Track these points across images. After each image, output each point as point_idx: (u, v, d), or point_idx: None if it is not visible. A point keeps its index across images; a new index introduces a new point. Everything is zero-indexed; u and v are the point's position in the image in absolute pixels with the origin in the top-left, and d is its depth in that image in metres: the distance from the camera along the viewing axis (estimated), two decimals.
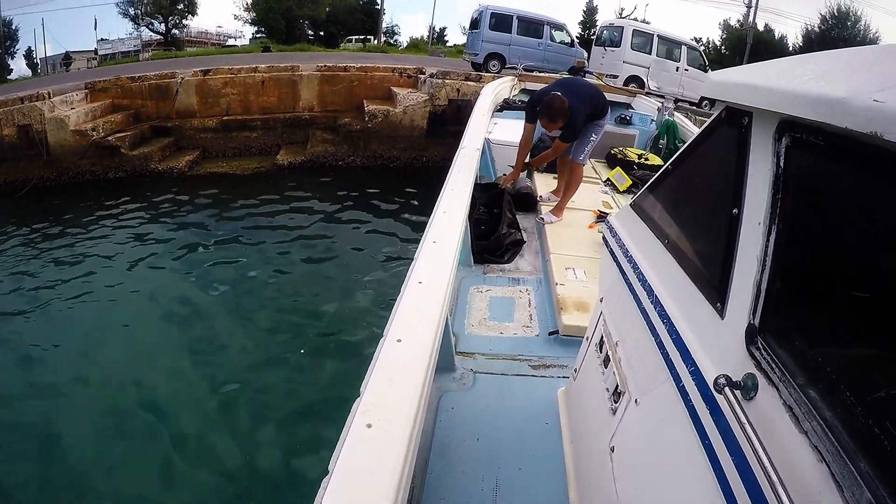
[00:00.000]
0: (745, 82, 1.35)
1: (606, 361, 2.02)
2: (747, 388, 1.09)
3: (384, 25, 42.90)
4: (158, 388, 5.45)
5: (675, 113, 7.95)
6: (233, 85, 13.09)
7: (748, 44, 35.24)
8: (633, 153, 7.08)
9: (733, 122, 1.41)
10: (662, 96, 9.93)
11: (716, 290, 1.33)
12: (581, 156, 5.02)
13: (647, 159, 7.00)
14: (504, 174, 5.82)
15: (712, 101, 18.69)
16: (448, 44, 44.37)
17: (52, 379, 5.59)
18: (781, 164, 1.15)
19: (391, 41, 44.67)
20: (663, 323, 1.53)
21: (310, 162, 12.36)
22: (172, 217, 9.96)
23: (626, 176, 6.24)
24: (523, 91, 8.89)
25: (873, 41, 33.76)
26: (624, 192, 6.11)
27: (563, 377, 3.01)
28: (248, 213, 10.03)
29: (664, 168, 1.88)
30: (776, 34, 40.28)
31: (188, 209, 10.27)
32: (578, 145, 4.98)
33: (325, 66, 13.34)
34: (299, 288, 7.52)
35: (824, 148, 1.00)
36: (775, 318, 1.11)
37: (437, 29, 49.68)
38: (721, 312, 1.28)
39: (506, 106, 7.51)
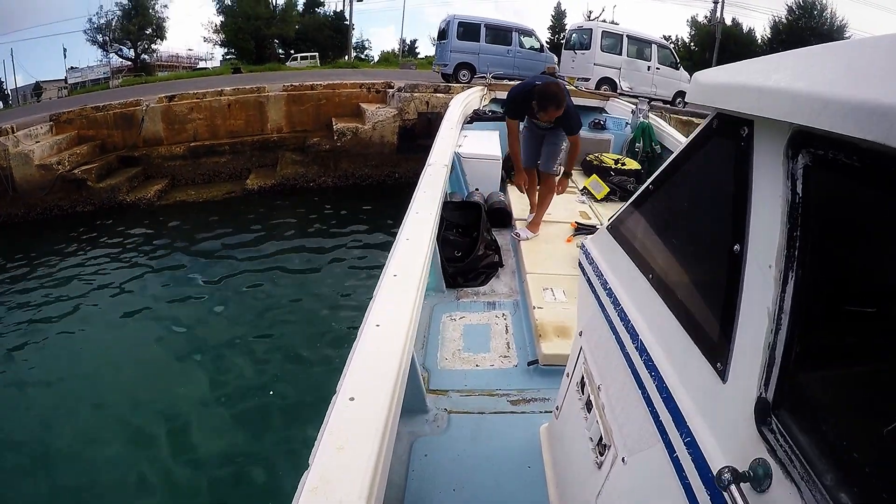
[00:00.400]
0: (744, 83, 1.09)
1: (589, 406, 1.76)
2: (758, 479, 0.84)
3: (354, 40, 42.86)
4: (139, 421, 5.38)
5: (650, 115, 7.73)
6: (199, 110, 12.73)
7: (717, 39, 35.51)
8: (609, 159, 6.87)
9: (728, 134, 1.15)
10: (636, 97, 9.74)
11: (714, 346, 1.07)
12: (553, 166, 4.78)
13: (623, 164, 6.80)
14: (477, 188, 5.57)
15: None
16: (419, 55, 44.31)
17: (26, 421, 5.46)
18: (799, 191, 0.88)
19: (362, 56, 44.56)
20: (651, 376, 1.27)
21: (280, 185, 12.05)
22: (142, 249, 9.61)
23: (603, 183, 6.01)
24: (494, 101, 8.65)
25: (841, 29, 34.11)
26: (601, 199, 5.88)
27: (546, 412, 2.76)
28: (220, 241, 9.70)
29: (644, 187, 1.61)
30: (744, 28, 40.50)
31: (158, 241, 9.91)
32: (548, 155, 4.76)
33: (292, 85, 13.04)
34: (275, 314, 7.30)
35: (860, 170, 0.74)
36: (794, 390, 0.85)
37: (408, 41, 49.52)
38: (722, 375, 1.02)
39: (476, 117, 7.23)
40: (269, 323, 7.09)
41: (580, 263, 2.04)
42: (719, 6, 36.31)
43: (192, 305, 7.62)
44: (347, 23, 40.18)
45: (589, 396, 1.78)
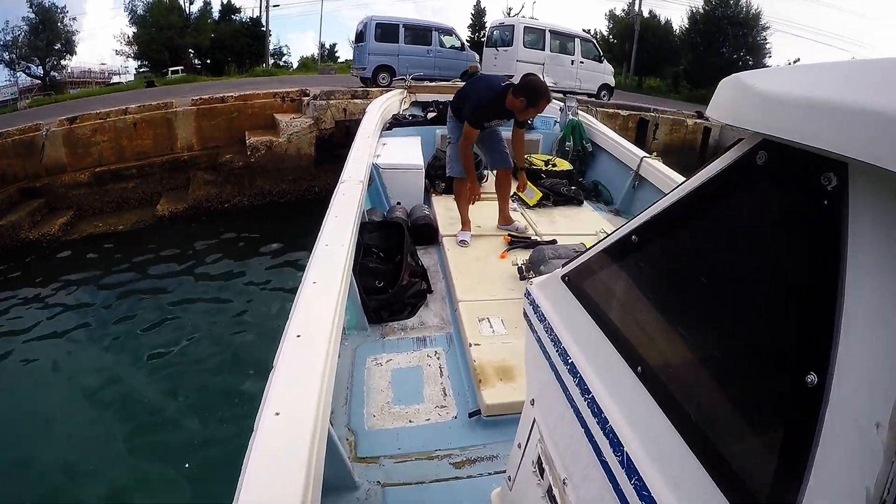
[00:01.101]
0: (838, 103, 0.59)
1: (552, 498, 1.33)
2: None
3: (272, 47, 41.67)
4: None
5: (580, 111, 7.36)
6: (103, 131, 11.61)
7: (636, 31, 36.12)
8: (539, 160, 6.45)
9: (792, 180, 0.71)
10: (564, 94, 9.40)
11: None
12: (509, 158, 4.78)
13: (554, 165, 6.39)
14: (399, 202, 5.07)
15: (610, 91, 18.76)
16: (339, 59, 43.48)
17: None
18: None
19: (281, 63, 43.36)
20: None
21: (193, 209, 11.15)
22: (47, 291, 8.53)
23: (535, 188, 5.57)
24: (415, 104, 8.12)
25: (756, 17, 35.14)
26: (534, 206, 5.45)
27: (496, 472, 2.37)
28: (132, 276, 8.78)
29: (624, 234, 1.18)
30: (661, 19, 41.40)
31: (65, 280, 8.82)
32: (502, 152, 4.78)
33: (201, 99, 12.14)
34: (192, 350, 6.67)
35: None
36: None
37: (327, 45, 48.52)
38: None
39: (395, 123, 6.70)
40: (186, 360, 6.46)
41: (525, 313, 1.64)
42: None
43: (101, 347, 6.87)
44: (264, 29, 38.94)
45: (551, 485, 1.35)
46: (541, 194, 5.49)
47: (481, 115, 4.20)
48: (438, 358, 3.19)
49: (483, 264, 4.07)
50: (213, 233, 10.22)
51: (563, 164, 6.50)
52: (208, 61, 38.77)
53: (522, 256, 4.12)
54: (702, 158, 19.11)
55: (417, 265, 3.91)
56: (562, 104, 7.64)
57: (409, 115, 7.07)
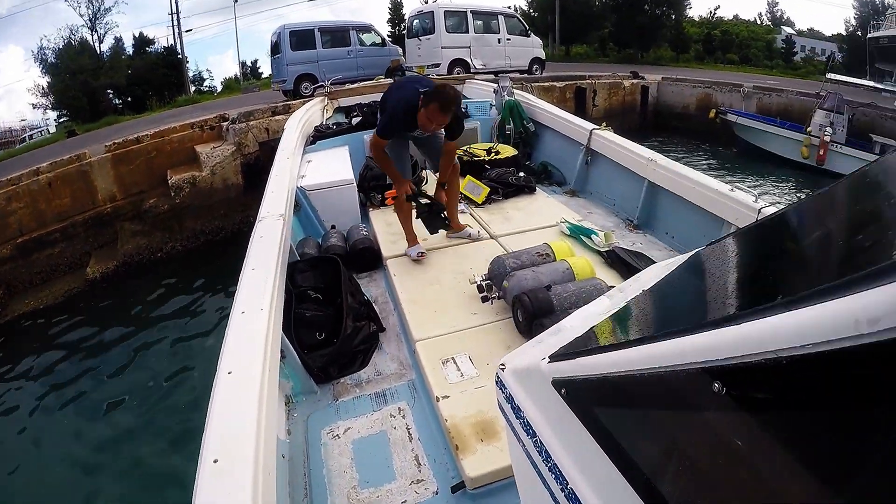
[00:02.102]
0: None
1: None
2: None
3: (191, 73, 40.36)
4: None
5: (515, 91, 6.84)
6: (18, 198, 10.45)
7: (556, 0, 35.94)
8: (479, 150, 5.90)
9: None
10: (496, 74, 8.86)
11: None
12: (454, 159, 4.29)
13: (497, 153, 5.87)
14: (333, 226, 4.48)
15: (542, 64, 18.36)
16: (262, 75, 42.23)
17: None
18: None
19: (203, 88, 42.01)
20: None
21: (124, 265, 10.20)
22: None
23: (480, 183, 5.02)
24: (338, 110, 7.48)
25: None
26: (483, 203, 4.91)
27: None
28: (71, 352, 7.74)
29: (686, 372, 0.69)
30: None
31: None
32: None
33: (115, 143, 11.09)
34: (142, 418, 6.00)
35: None
36: None
37: (249, 63, 47.17)
38: None
39: (319, 135, 6.04)
40: (133, 434, 5.80)
41: (501, 408, 1.42)
42: None
43: (44, 431, 6.20)
44: (180, 57, 37.56)
45: None
46: (488, 189, 4.94)
47: (394, 126, 3.74)
48: (403, 416, 2.62)
49: (437, 288, 3.50)
50: (150, 287, 9.34)
51: (507, 150, 5.98)
52: (129, 99, 37.19)
53: (478, 267, 3.58)
54: (643, 118, 18.95)
55: (361, 305, 3.29)
56: (495, 85, 7.10)
57: (333, 124, 6.43)
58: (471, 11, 16.09)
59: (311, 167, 5.02)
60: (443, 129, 3.77)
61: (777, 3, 57.28)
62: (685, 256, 1.85)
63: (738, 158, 16.36)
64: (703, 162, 16.16)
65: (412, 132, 3.81)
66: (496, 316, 3.14)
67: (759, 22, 56.50)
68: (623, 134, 5.56)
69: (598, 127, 5.59)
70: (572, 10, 38.27)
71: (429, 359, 2.79)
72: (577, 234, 4.11)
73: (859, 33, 36.94)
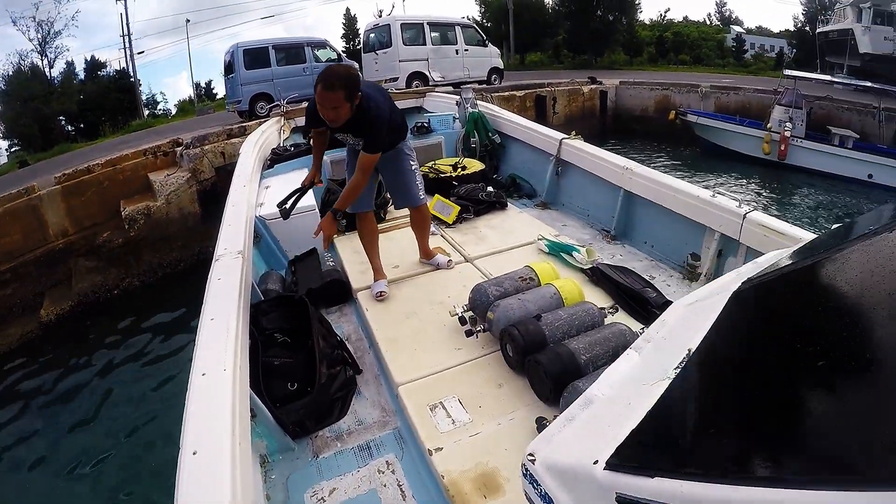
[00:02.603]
0: None
1: None
2: None
3: (144, 97, 39.48)
4: None
5: (478, 102, 6.62)
6: None
7: (510, 10, 36.07)
8: (445, 166, 5.67)
9: None
10: (457, 86, 8.64)
11: None
12: (419, 193, 3.74)
13: (464, 168, 5.64)
14: (296, 255, 4.18)
15: (500, 74, 18.27)
16: (217, 96, 41.51)
17: None
18: None
19: (158, 112, 41.10)
20: None
21: (80, 305, 9.58)
22: None
23: (449, 201, 4.77)
24: (296, 130, 7.15)
25: None
26: (455, 222, 4.65)
27: None
28: (28, 402, 7.21)
29: None
30: None
31: None
32: (405, 185, 3.72)
33: (65, 175, 10.51)
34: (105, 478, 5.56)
35: None
36: None
37: (203, 84, 46.36)
38: None
39: (276, 158, 5.72)
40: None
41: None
42: None
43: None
44: (133, 80, 36.66)
45: None
46: (458, 208, 4.69)
47: (310, 122, 3.54)
48: (393, 471, 2.34)
49: (415, 322, 3.21)
50: (109, 328, 8.78)
51: (474, 165, 5.75)
52: (82, 125, 36.09)
53: (457, 295, 3.32)
54: (603, 123, 18.99)
55: (334, 348, 2.99)
56: (458, 98, 6.87)
57: (291, 146, 6.10)
58: (427, 23, 15.92)
59: (270, 194, 4.72)
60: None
61: (725, 2, 58.49)
62: (710, 289, 1.63)
63: (701, 158, 16.46)
64: (667, 163, 16.22)
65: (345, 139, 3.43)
66: (482, 350, 2.88)
67: (708, 22, 57.62)
68: (582, 138, 5.40)
69: (567, 136, 5.40)
70: (526, 18, 38.46)
71: (415, 405, 2.51)
72: (557, 251, 3.89)
73: (807, 29, 37.81)
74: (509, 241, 4.22)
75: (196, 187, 10.00)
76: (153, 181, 9.99)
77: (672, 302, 3.17)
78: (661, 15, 53.15)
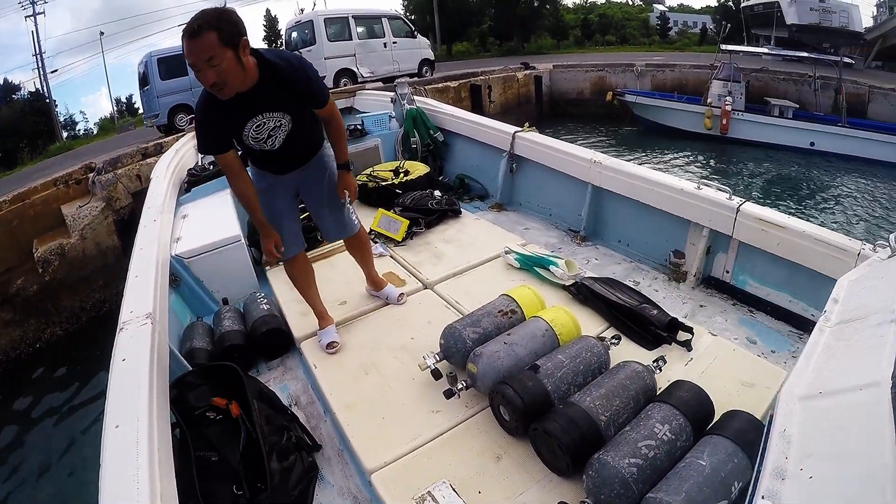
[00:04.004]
0: None
1: None
2: None
3: (62, 118, 37.54)
4: None
5: (415, 98, 6.01)
6: None
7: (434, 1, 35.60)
8: (385, 172, 5.03)
9: None
10: (384, 81, 8.00)
11: None
12: (354, 221, 3.00)
13: (407, 172, 5.03)
14: (225, 300, 3.51)
15: (432, 65, 17.71)
16: (139, 111, 39.68)
17: None
18: None
19: (78, 133, 39.07)
20: None
21: (2, 364, 8.25)
22: None
23: (396, 215, 4.17)
24: None
25: None
26: (404, 239, 4.06)
27: None
28: None
29: None
30: None
31: None
32: (335, 214, 2.91)
33: None
34: None
35: None
36: None
37: (124, 99, 44.33)
38: None
39: (193, 180, 4.97)
40: None
41: None
42: None
43: None
44: (48, 99, 34.66)
45: None
46: (406, 221, 4.08)
47: (207, 125, 2.39)
48: None
49: (376, 379, 2.57)
50: (37, 387, 7.59)
51: (418, 168, 5.13)
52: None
53: (421, 336, 2.75)
54: (540, 108, 18.67)
55: (283, 431, 2.31)
56: (392, 94, 6.23)
57: (209, 164, 5.37)
58: (352, 17, 15.24)
59: (188, 225, 4.01)
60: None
61: None
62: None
63: (643, 137, 16.37)
64: (608, 145, 16.04)
65: (257, 147, 2.50)
66: (467, 409, 2.29)
67: (631, 3, 58.44)
68: (520, 125, 4.92)
69: (520, 129, 4.87)
70: (450, 7, 38.09)
71: (396, 499, 1.91)
72: (530, 265, 3.33)
73: (731, 4, 38.52)
74: (471, 256, 3.64)
75: (112, 217, 9.01)
76: (66, 215, 8.97)
77: (673, 318, 2.73)
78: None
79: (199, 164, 5.55)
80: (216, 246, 3.62)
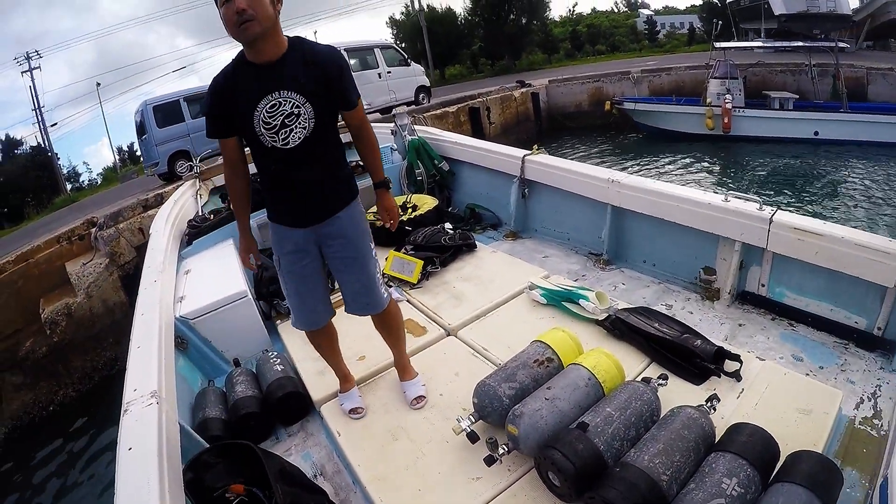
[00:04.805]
0: None
1: None
2: None
3: (65, 170, 37.83)
4: None
5: (416, 127, 5.84)
6: None
7: (424, 27, 35.83)
8: None
9: None
10: (381, 112, 7.85)
11: None
12: (382, 291, 2.48)
13: (415, 206, 4.86)
14: (237, 360, 3.32)
15: (428, 91, 17.65)
16: (141, 159, 39.90)
17: None
18: None
19: (82, 184, 39.34)
20: None
21: (15, 429, 8.08)
22: None
23: (408, 256, 3.96)
24: (215, 192, 6.24)
25: None
26: (419, 282, 3.84)
27: None
28: None
29: None
30: (440, 8, 41.75)
31: None
32: (365, 279, 2.40)
33: None
34: None
35: None
36: None
37: (125, 147, 44.63)
38: None
39: (195, 232, 4.73)
40: None
41: None
42: None
43: None
44: (50, 153, 34.86)
45: None
46: (420, 262, 3.88)
47: (216, 99, 2.13)
48: None
49: (406, 445, 2.34)
50: (52, 452, 7.40)
51: (427, 202, 4.95)
52: (5, 209, 34.06)
53: (450, 392, 2.54)
54: (539, 125, 18.56)
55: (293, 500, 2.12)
56: (392, 125, 6.06)
57: (209, 214, 5.19)
58: (344, 49, 15.18)
59: (191, 281, 3.82)
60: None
61: None
62: None
63: (646, 144, 16.26)
64: (613, 155, 15.92)
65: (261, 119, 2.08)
66: (510, 474, 2.06)
67: (616, 10, 58.82)
68: (520, 146, 4.74)
69: (529, 151, 4.69)
70: (439, 32, 38.33)
71: None
72: (557, 301, 3.12)
73: (716, 1, 38.65)
74: (493, 295, 3.43)
75: (117, 273, 8.86)
76: (70, 273, 8.83)
77: (719, 347, 2.51)
78: (570, 10, 54.14)
79: (200, 213, 5.40)
80: (222, 304, 3.43)
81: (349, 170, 2.37)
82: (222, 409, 2.80)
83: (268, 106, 2.04)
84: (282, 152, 2.10)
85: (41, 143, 35.84)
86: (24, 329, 8.82)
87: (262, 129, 2.06)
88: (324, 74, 2.08)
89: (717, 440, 1.88)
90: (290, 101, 2.04)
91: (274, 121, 2.05)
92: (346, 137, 2.30)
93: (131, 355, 2.52)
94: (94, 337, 8.71)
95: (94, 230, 9.26)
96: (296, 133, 2.08)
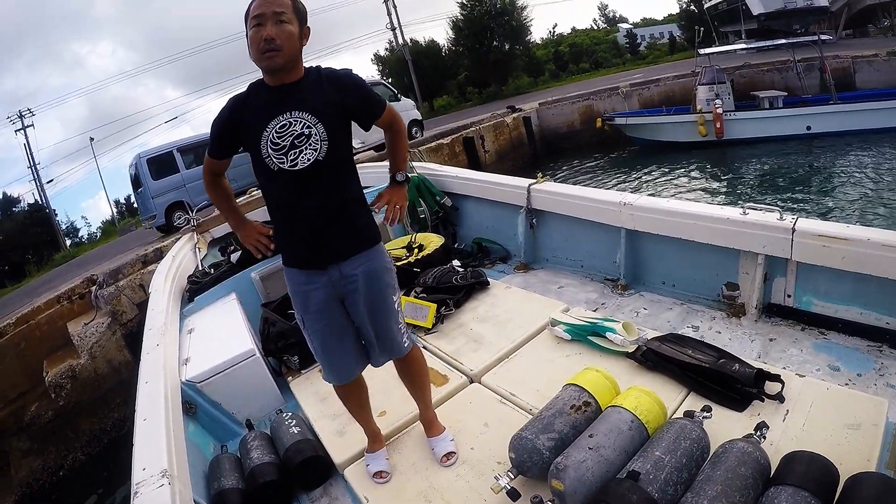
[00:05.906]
0: None
1: None
2: None
3: (63, 226, 37.96)
4: None
5: (414, 164, 5.73)
6: None
7: (409, 60, 36.15)
8: (398, 250, 4.65)
9: None
10: (377, 148, 7.76)
11: None
12: (405, 335, 2.35)
13: (421, 246, 4.67)
14: (249, 421, 3.16)
15: (420, 125, 17.68)
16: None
17: None
18: None
19: (82, 239, 39.45)
20: None
21: (25, 497, 7.78)
22: None
23: (419, 300, 3.80)
24: (213, 245, 6.10)
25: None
26: (434, 325, 3.69)
27: None
28: None
29: None
30: (423, 41, 42.19)
31: None
32: (388, 322, 2.25)
33: None
34: None
35: None
36: None
37: (123, 200, 44.84)
38: None
39: (196, 288, 4.53)
40: None
41: None
42: (398, 33, 37.39)
43: None
44: (48, 210, 34.97)
45: None
46: (433, 305, 3.72)
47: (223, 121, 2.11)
48: None
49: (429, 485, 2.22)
50: None
51: (432, 240, 4.75)
52: (6, 267, 33.98)
53: (482, 444, 2.39)
54: (533, 149, 18.57)
55: None
56: (388, 164, 5.93)
57: (209, 268, 5.03)
58: None
59: (196, 341, 3.66)
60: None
61: (607, 4, 60.74)
62: None
63: (640, 157, 16.26)
64: (608, 171, 15.89)
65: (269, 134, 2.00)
66: None
67: (595, 27, 59.52)
68: (517, 171, 4.61)
69: (534, 180, 4.58)
70: (425, 65, 38.68)
71: None
72: (583, 335, 2.97)
73: (693, 8, 39.17)
74: (513, 333, 3.28)
75: (120, 332, 8.70)
76: (72, 334, 8.67)
77: (759, 369, 2.38)
78: (550, 32, 54.83)
79: (199, 268, 5.25)
80: (230, 364, 3.28)
81: (366, 205, 2.26)
82: (238, 478, 2.64)
83: (277, 126, 1.97)
84: (289, 175, 1.98)
85: (38, 200, 36.04)
86: (30, 392, 8.69)
87: (270, 151, 1.97)
88: (338, 91, 2.04)
89: (772, 472, 1.77)
90: (300, 122, 1.97)
91: (283, 141, 1.97)
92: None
93: (137, 428, 2.41)
94: (101, 398, 8.53)
95: (94, 289, 9.12)
96: (305, 154, 1.98)
